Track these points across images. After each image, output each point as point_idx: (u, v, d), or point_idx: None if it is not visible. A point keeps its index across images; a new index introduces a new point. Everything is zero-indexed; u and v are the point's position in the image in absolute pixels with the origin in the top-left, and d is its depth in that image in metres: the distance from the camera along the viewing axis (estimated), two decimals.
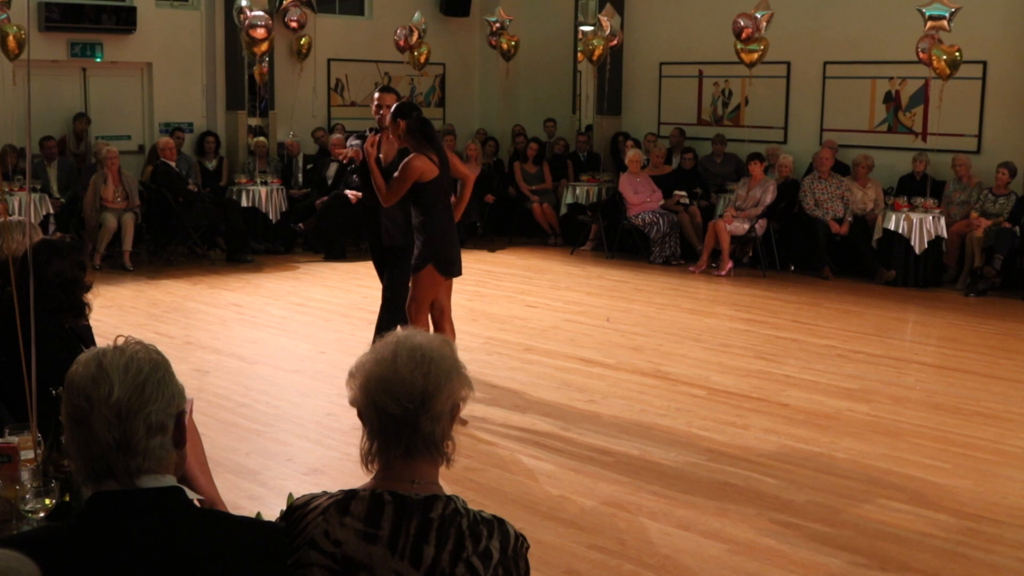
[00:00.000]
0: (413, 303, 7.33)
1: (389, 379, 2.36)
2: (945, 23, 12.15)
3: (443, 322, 7.56)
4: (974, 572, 5.11)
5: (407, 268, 7.56)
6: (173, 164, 13.61)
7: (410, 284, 7.35)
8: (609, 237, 14.64)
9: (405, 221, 7.64)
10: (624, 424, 7.19)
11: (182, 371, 2.39)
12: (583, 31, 16.39)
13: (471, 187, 7.71)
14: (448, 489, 2.44)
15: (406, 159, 7.13)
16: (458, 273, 7.49)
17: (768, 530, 5.49)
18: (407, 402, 2.35)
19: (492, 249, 14.96)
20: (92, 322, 4.90)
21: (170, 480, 2.26)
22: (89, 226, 12.99)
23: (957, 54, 12.24)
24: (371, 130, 7.92)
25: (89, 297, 4.56)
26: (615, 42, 15.35)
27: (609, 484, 6.09)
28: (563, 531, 5.44)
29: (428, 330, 6.47)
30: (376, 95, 7.97)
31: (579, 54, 16.38)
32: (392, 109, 7.29)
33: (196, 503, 2.43)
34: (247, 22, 14.20)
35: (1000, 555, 5.29)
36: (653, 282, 12.66)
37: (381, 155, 7.65)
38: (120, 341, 2.29)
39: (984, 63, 13.40)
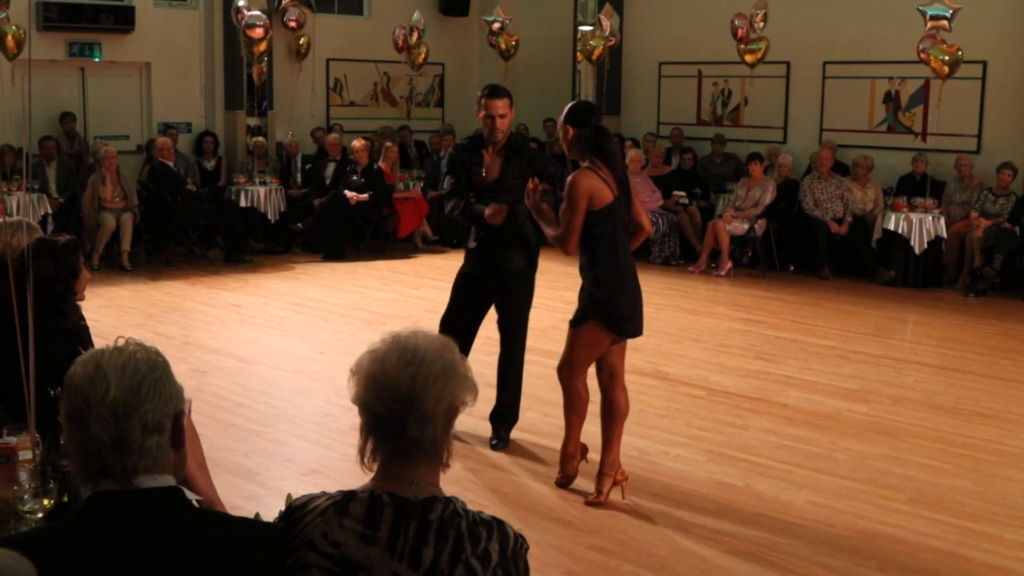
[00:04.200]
0: (566, 366, 5.91)
1: (377, 377, 2.35)
2: (946, 23, 12.15)
3: (614, 389, 5.96)
4: (974, 572, 5.11)
5: (527, 297, 6.75)
6: (171, 164, 13.59)
7: (567, 341, 5.89)
8: None
9: (533, 245, 6.68)
10: (625, 425, 7.17)
11: (180, 371, 2.38)
12: (582, 31, 16.39)
13: (639, 242, 6.04)
14: (447, 490, 2.43)
15: (571, 177, 5.65)
16: (632, 333, 5.92)
17: (768, 530, 5.48)
18: (392, 402, 2.34)
19: None
20: (90, 322, 4.90)
21: (168, 480, 2.25)
22: (87, 226, 12.98)
23: (959, 54, 12.23)
24: (468, 138, 6.76)
25: (79, 300, 4.54)
26: (614, 42, 15.36)
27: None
28: (562, 532, 5.44)
29: (584, 398, 5.94)
30: (482, 100, 6.46)
31: (578, 54, 16.38)
32: (567, 111, 5.76)
33: (195, 503, 2.42)
34: (244, 22, 14.19)
35: (1000, 555, 5.29)
36: (652, 282, 12.64)
37: (484, 171, 6.55)
38: (120, 342, 2.28)
39: (984, 63, 13.41)
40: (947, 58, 12.26)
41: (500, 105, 6.39)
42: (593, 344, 5.81)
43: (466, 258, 6.89)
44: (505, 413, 6.87)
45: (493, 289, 6.72)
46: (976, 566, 5.16)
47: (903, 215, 12.58)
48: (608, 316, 5.72)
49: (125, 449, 2.18)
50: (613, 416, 5.92)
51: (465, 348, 6.61)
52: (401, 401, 2.33)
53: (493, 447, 6.70)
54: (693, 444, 6.84)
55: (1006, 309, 11.49)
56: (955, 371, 8.88)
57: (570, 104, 5.85)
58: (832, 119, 14.79)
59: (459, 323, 6.70)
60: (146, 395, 2.19)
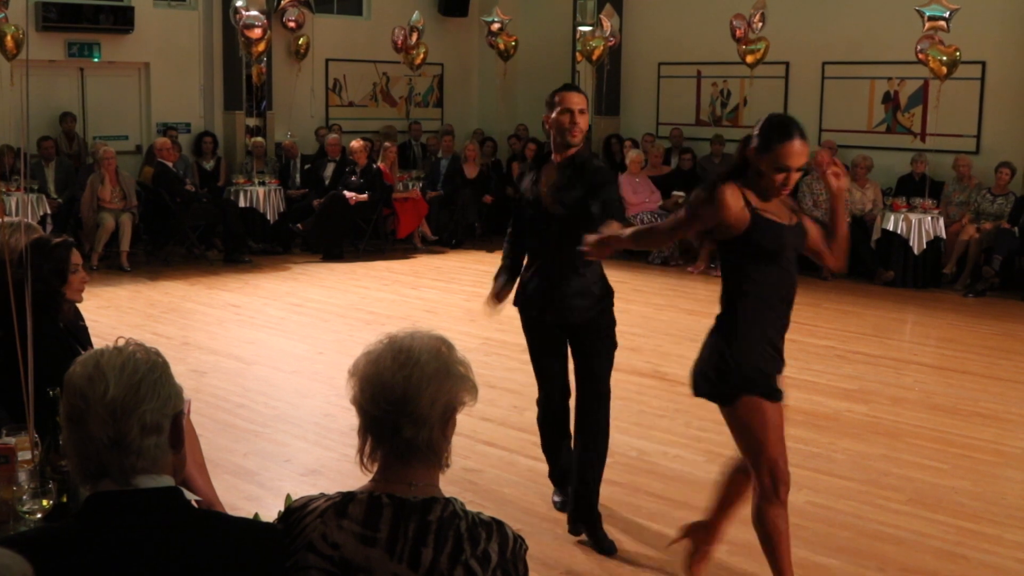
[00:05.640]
0: (751, 454, 4.70)
1: (372, 379, 2.35)
2: (944, 23, 12.17)
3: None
4: (973, 572, 5.11)
5: (609, 350, 5.43)
6: (171, 164, 13.59)
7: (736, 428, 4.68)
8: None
9: (602, 287, 5.44)
10: (622, 425, 7.15)
11: (180, 372, 2.38)
12: (581, 31, 16.40)
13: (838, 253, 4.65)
14: (447, 490, 2.43)
15: (711, 189, 4.28)
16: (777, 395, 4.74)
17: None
18: (385, 404, 2.33)
19: (490, 250, 14.95)
20: (89, 323, 4.90)
21: (167, 480, 2.25)
22: (87, 226, 12.98)
23: (956, 54, 12.25)
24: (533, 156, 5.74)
25: (76, 300, 4.52)
26: (614, 42, 15.37)
27: (608, 485, 6.04)
28: (562, 532, 5.43)
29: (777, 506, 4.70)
30: (556, 97, 5.27)
31: (578, 54, 16.38)
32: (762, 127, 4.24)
33: (194, 504, 2.42)
34: (242, 22, 14.20)
35: (999, 556, 5.30)
36: (651, 283, 12.65)
37: (542, 183, 5.33)
38: (120, 342, 2.29)
39: (983, 63, 13.41)
40: (945, 58, 12.28)
41: (579, 100, 5.24)
42: (764, 420, 4.69)
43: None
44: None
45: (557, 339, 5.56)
46: (975, 566, 5.17)
47: (902, 215, 12.60)
48: (758, 381, 4.76)
49: (123, 449, 2.18)
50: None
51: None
52: (394, 403, 2.32)
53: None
54: (692, 444, 6.84)
55: (1005, 309, 11.50)
56: (954, 371, 8.88)
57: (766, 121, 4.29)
58: (831, 119, 14.79)
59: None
60: (145, 395, 2.19)
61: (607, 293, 5.43)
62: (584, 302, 5.34)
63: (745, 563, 5.12)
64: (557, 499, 5.84)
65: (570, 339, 5.43)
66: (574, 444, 5.49)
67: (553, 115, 5.23)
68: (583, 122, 5.22)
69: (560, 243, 5.24)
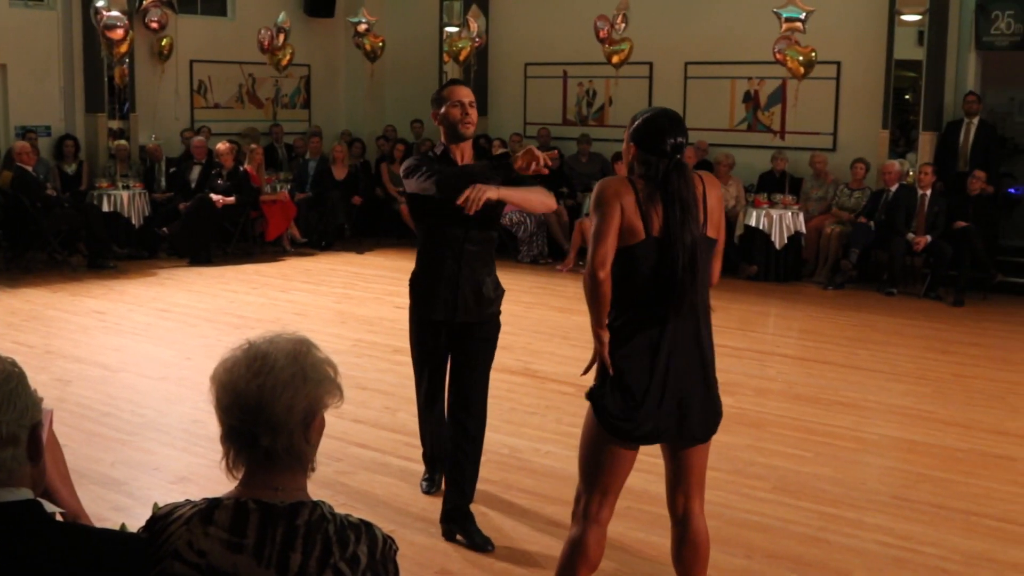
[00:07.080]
0: (580, 480, 4.26)
1: (227, 388, 2.32)
2: (800, 24, 12.53)
3: (688, 529, 4.54)
4: (835, 556, 5.27)
5: (489, 355, 5.63)
6: (30, 168, 13.23)
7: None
8: None
9: (494, 282, 5.69)
10: (494, 423, 7.17)
11: (42, 381, 2.34)
12: (448, 32, 16.44)
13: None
14: (318, 493, 2.43)
15: (600, 184, 3.92)
16: (651, 438, 4.16)
17: (635, 523, 5.58)
18: (240, 413, 2.30)
19: (360, 251, 14.91)
20: None
21: (25, 493, 2.20)
22: None
23: (812, 54, 12.63)
24: (431, 149, 5.58)
25: None
26: (480, 43, 15.46)
27: (480, 483, 6.10)
28: (435, 531, 5.44)
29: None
30: (444, 92, 5.34)
31: (445, 55, 16.42)
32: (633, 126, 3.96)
33: (58, 516, 2.38)
34: (103, 23, 13.89)
35: (859, 539, 5.48)
36: (521, 281, 12.73)
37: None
38: None
39: (838, 63, 13.84)
40: (802, 59, 12.65)
41: (468, 92, 5.30)
42: (599, 446, 4.10)
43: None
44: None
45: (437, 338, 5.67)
46: (837, 550, 5.33)
47: (764, 211, 12.93)
48: (610, 408, 4.00)
49: None
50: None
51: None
52: (249, 412, 2.29)
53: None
54: (563, 440, 6.91)
55: (862, 301, 11.88)
56: (815, 362, 9.15)
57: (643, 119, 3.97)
58: (694, 118, 15.05)
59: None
60: None
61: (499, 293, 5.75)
62: (497, 301, 5.71)
63: (611, 552, 5.20)
64: (424, 483, 6.02)
65: (453, 337, 5.60)
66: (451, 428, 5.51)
67: (443, 110, 5.26)
68: (474, 114, 5.28)
69: (478, 240, 5.53)
